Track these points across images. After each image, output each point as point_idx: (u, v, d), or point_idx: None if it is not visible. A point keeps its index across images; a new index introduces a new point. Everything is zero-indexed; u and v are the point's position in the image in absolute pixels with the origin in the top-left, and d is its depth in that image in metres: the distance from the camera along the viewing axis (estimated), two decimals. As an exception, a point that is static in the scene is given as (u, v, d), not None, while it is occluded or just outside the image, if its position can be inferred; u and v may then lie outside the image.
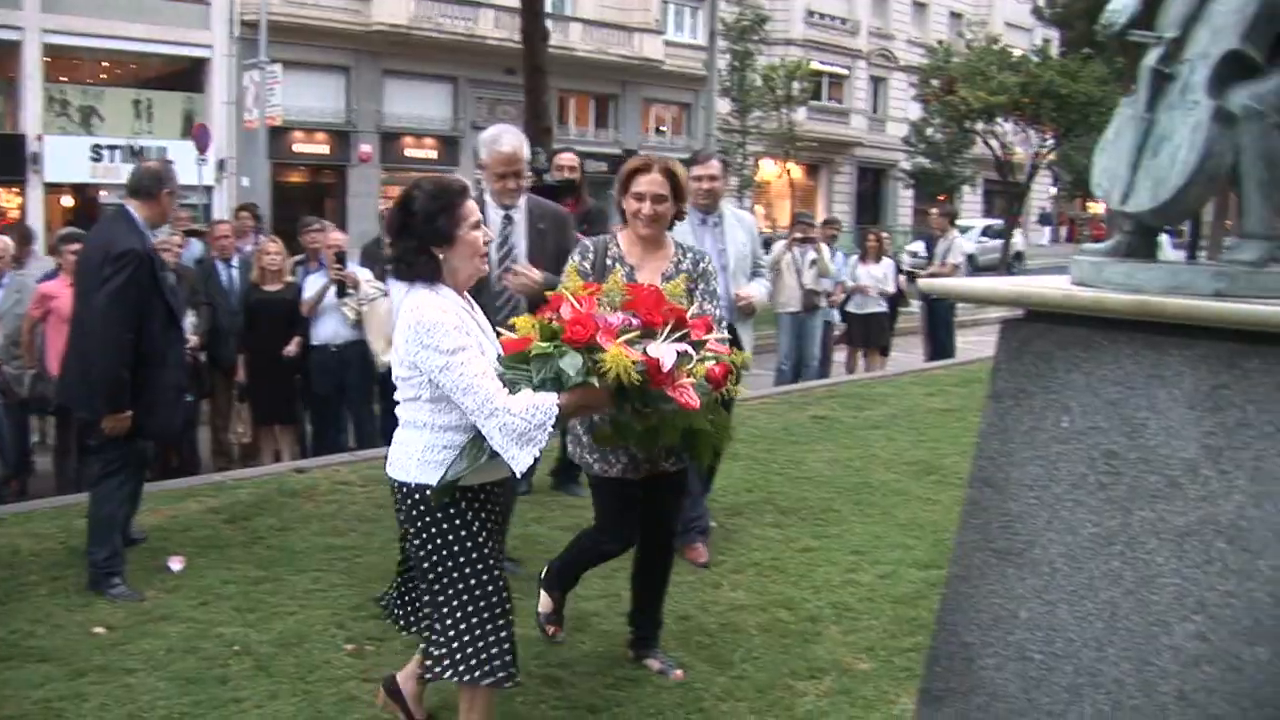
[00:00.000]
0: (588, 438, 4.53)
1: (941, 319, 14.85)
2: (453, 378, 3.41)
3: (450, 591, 3.61)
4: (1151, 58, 3.80)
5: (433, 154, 33.42)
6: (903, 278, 14.86)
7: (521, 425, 3.39)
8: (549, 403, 3.44)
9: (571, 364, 3.49)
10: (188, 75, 28.98)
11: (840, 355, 14.52)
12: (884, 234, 16.35)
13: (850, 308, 13.62)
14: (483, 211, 5.32)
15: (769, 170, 40.72)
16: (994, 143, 36.97)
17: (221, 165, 27.90)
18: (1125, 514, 3.68)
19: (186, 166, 23.16)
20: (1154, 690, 3.58)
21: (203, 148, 23.16)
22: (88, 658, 4.88)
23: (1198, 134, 3.59)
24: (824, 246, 12.67)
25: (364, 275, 9.18)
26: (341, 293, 8.97)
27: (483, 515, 3.65)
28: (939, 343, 14.93)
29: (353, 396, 9.40)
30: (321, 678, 4.72)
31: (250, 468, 8.83)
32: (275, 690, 4.60)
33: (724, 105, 35.88)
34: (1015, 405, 3.93)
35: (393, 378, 3.64)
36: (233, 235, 10.36)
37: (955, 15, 49.79)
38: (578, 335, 3.54)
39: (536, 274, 5.43)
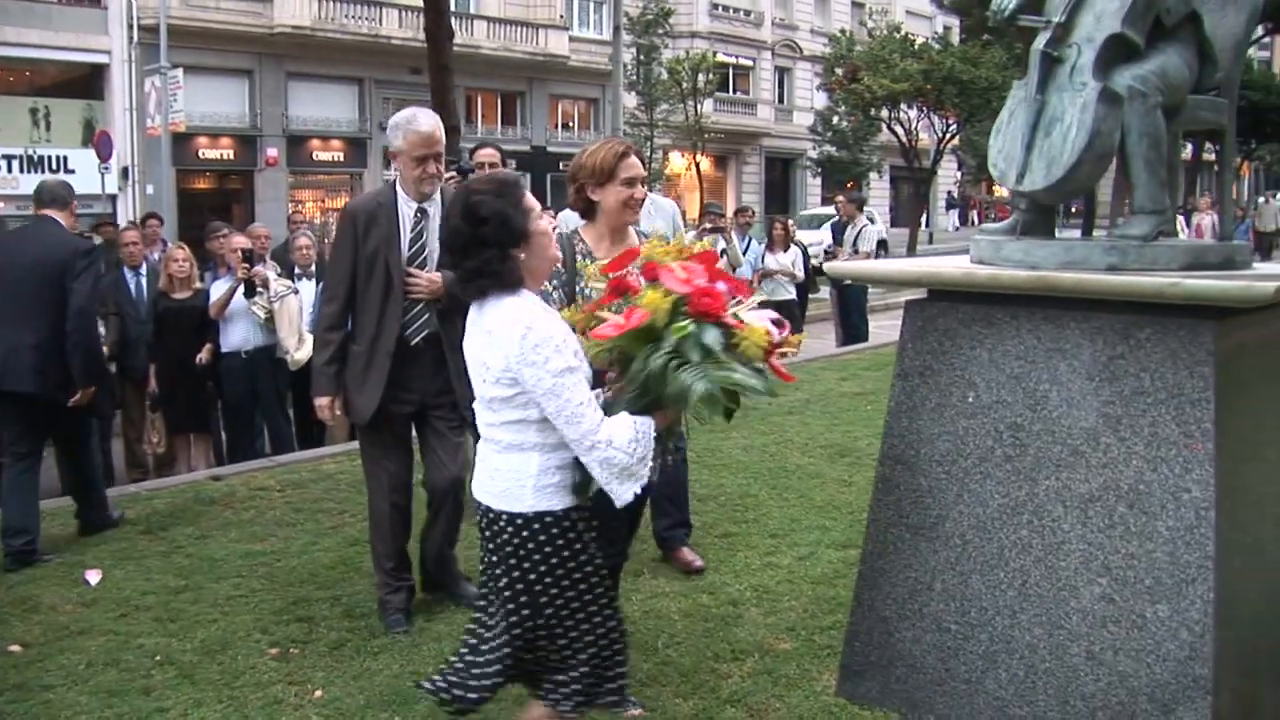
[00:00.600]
0: None
1: (854, 304, 14.97)
2: (558, 404, 3.14)
3: (583, 621, 3.38)
4: (1040, 41, 3.92)
5: (340, 156, 33.06)
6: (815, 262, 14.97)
7: (624, 460, 3.20)
8: (649, 433, 3.27)
9: (715, 338, 3.26)
10: (87, 82, 28.35)
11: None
12: (790, 221, 16.46)
13: (760, 295, 13.68)
14: (394, 207, 5.13)
15: (678, 163, 40.89)
16: (899, 129, 37.49)
17: (125, 173, 27.42)
18: (1032, 484, 3.81)
19: (89, 175, 22.79)
20: (1065, 653, 3.71)
21: (105, 156, 22.73)
22: (4, 676, 4.80)
23: (1086, 114, 3.72)
24: (734, 236, 12.78)
25: (272, 273, 9.11)
26: (250, 293, 8.89)
27: (590, 533, 3.41)
28: (852, 328, 15.06)
29: (266, 402, 9.31)
30: (247, 683, 4.69)
31: (166, 477, 8.72)
32: (200, 698, 4.56)
33: (631, 99, 35.95)
34: (922, 383, 4.04)
35: (480, 398, 3.34)
36: (141, 243, 10.19)
37: (857, 4, 50.30)
38: (708, 308, 3.30)
39: (438, 278, 5.12)
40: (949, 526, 3.97)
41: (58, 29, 26.88)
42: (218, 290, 9.06)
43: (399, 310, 5.10)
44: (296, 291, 9.18)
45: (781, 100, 47.75)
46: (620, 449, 3.18)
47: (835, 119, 40.16)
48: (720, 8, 43.79)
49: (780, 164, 47.96)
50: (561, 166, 38.08)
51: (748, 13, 45.10)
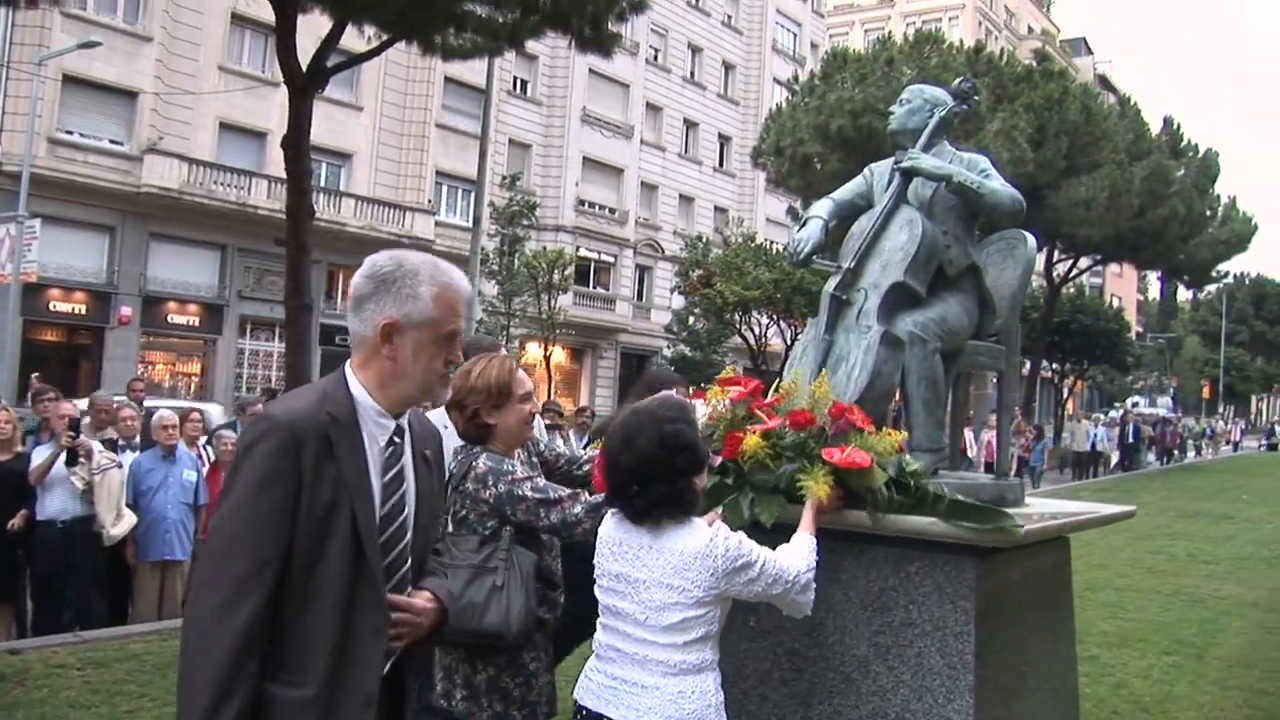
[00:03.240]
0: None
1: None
2: (766, 579, 3.25)
3: None
4: (831, 284, 4.19)
5: (196, 320, 32.66)
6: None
7: (811, 576, 3.35)
8: (810, 541, 3.45)
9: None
10: (-64, 226, 27.83)
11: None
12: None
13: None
14: (357, 427, 2.70)
15: (534, 353, 41.29)
16: (749, 333, 38.48)
17: (-34, 321, 26.76)
18: (806, 708, 3.92)
19: (-73, 321, 22.19)
20: None
21: (-54, 301, 22.22)
22: None
23: (869, 356, 3.97)
24: (571, 434, 12.94)
25: (97, 445, 8.95)
26: (72, 461, 8.71)
27: None
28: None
29: (78, 575, 9.02)
30: None
31: (-41, 649, 8.35)
32: None
33: (492, 288, 36.37)
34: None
35: (657, 625, 3.23)
36: (-35, 400, 9.96)
37: (720, 210, 52.03)
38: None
39: (431, 601, 2.87)
40: (728, 746, 4.04)
41: (-87, 172, 26.49)
42: (39, 456, 8.86)
43: (381, 623, 2.70)
44: (119, 465, 9.02)
45: (641, 297, 48.72)
46: (809, 569, 3.36)
47: (690, 320, 41.12)
48: (586, 204, 44.89)
49: (636, 360, 48.60)
50: (419, 347, 38.08)
51: (613, 210, 46.28)
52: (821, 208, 4.61)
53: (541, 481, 3.87)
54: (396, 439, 2.80)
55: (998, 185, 4.37)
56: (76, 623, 9.00)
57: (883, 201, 4.41)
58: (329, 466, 2.59)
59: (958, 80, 4.90)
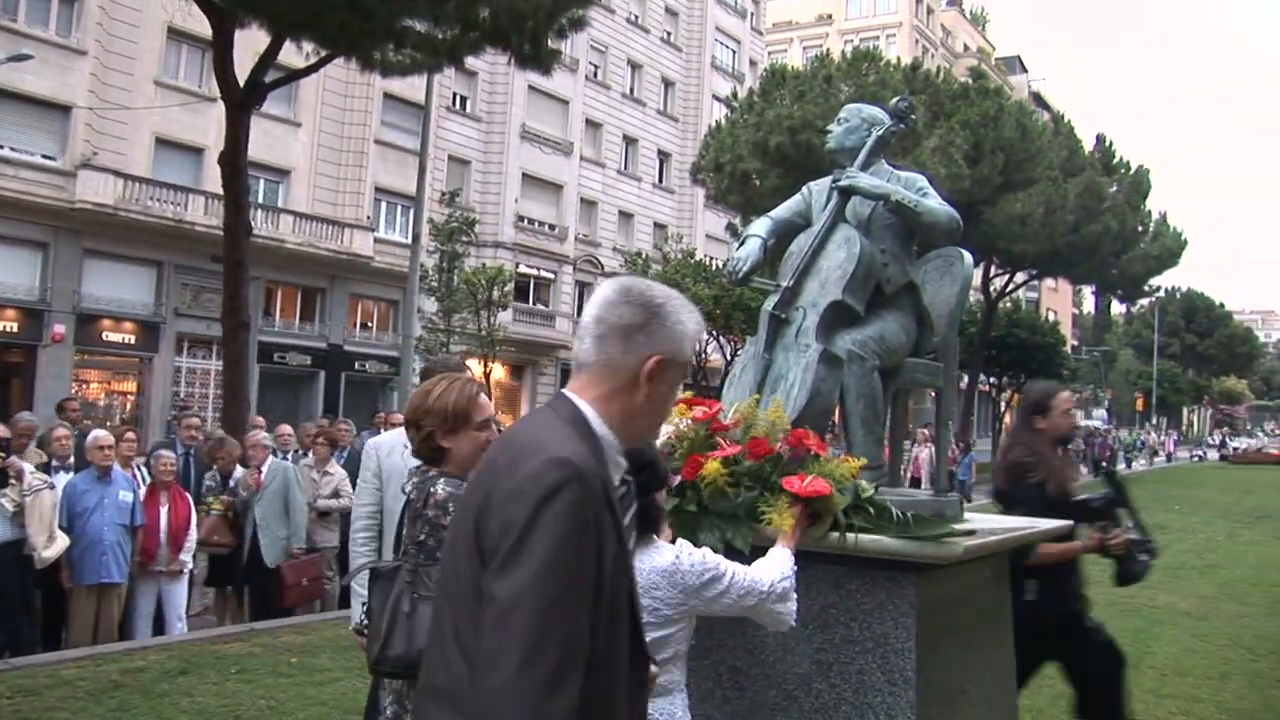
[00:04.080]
0: None
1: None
2: (735, 593, 3.22)
3: None
4: (770, 303, 4.22)
5: (131, 338, 32.14)
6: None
7: (788, 584, 3.32)
8: (787, 553, 3.44)
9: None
10: None
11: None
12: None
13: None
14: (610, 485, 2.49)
15: (474, 370, 41.14)
16: (690, 349, 38.63)
17: (-108, 341, 26.28)
18: (749, 726, 3.91)
19: None
20: None
21: None
22: None
23: (808, 374, 4.00)
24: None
25: (28, 465, 8.79)
26: (1, 482, 8.54)
27: None
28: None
29: (8, 599, 8.82)
30: None
31: (-117, 678, 8.14)
32: None
33: (431, 305, 36.20)
34: (649, 621, 4.15)
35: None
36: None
37: (659, 226, 52.15)
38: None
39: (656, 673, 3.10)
40: (669, 764, 4.04)
41: None
42: (-33, 477, 8.70)
43: (645, 676, 2.51)
44: (52, 486, 8.86)
45: (581, 314, 48.39)
46: (784, 579, 3.33)
47: (632, 335, 41.19)
48: (525, 220, 44.81)
49: (577, 375, 48.50)
50: (358, 366, 37.94)
51: (552, 227, 46.24)
52: (760, 226, 4.64)
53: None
54: (628, 477, 2.59)
55: (935, 204, 4.43)
56: (6, 649, 8.84)
57: (821, 220, 4.45)
58: (607, 514, 2.27)
59: (895, 99, 4.96)
